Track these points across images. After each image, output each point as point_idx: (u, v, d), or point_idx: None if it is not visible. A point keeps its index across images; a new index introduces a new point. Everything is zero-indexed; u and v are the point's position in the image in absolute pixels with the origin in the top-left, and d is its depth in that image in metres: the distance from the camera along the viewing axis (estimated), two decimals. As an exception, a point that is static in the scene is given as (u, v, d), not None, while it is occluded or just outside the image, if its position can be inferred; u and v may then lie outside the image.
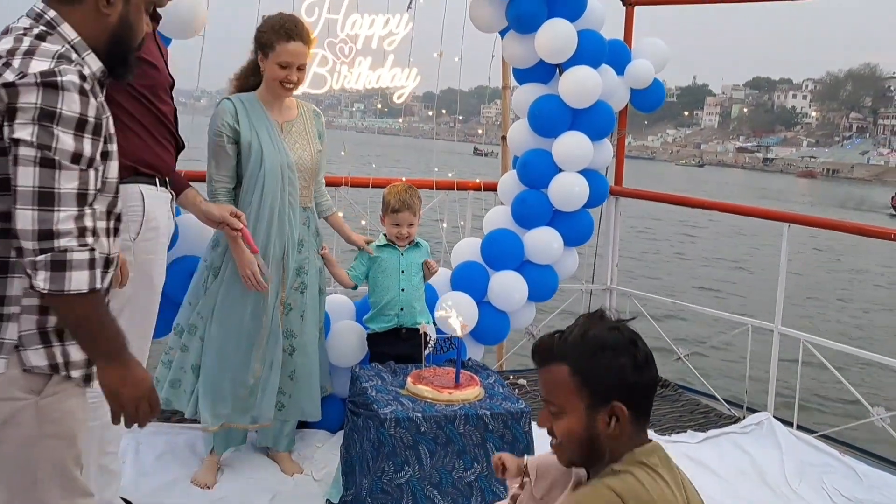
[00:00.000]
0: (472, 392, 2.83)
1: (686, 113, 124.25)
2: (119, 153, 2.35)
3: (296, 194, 3.22)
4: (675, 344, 4.94)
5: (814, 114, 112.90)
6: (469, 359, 3.39)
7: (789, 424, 4.14)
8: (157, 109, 2.51)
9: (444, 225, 4.74)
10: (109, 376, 1.69)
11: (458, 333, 2.89)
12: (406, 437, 2.67)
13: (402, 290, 3.43)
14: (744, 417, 4.26)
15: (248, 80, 3.25)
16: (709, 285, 14.36)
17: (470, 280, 4.22)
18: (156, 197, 2.51)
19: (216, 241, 3.23)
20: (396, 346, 3.37)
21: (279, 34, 3.05)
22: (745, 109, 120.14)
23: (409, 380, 2.91)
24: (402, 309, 3.43)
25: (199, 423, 3.26)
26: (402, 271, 3.44)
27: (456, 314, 2.92)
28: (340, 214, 3.63)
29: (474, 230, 4.70)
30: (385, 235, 3.50)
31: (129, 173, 2.38)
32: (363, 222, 4.08)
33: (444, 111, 6.09)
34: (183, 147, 2.72)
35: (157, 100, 2.52)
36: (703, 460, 3.70)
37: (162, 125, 2.54)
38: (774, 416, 4.14)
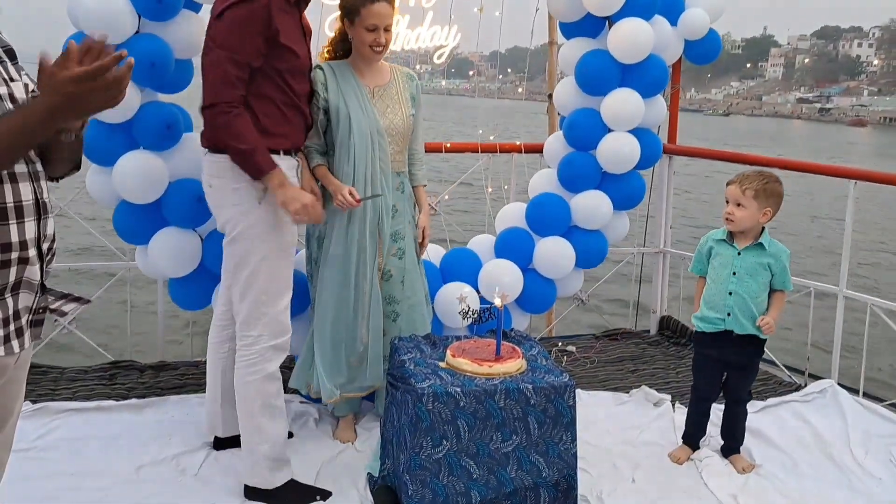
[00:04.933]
0: (513, 365, 2.72)
1: (749, 65, 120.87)
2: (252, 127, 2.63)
3: (386, 159, 3.21)
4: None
5: (877, 62, 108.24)
6: (512, 329, 3.27)
7: (855, 392, 3.93)
8: (290, 90, 2.79)
9: (489, 190, 4.59)
10: None
11: (498, 304, 2.77)
12: (444, 412, 2.57)
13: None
14: (805, 385, 4.07)
15: (338, 47, 3.26)
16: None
17: (514, 247, 4.08)
18: (279, 164, 2.73)
19: (309, 231, 3.29)
20: None
21: None
22: (807, 60, 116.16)
23: (448, 352, 2.80)
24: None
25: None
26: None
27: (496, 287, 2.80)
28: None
29: (519, 195, 4.54)
30: None
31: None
32: None
33: (509, 70, 5.95)
34: (313, 124, 3.02)
35: (294, 81, 2.80)
36: (762, 430, 3.53)
37: (292, 104, 2.82)
38: (839, 384, 3.94)
